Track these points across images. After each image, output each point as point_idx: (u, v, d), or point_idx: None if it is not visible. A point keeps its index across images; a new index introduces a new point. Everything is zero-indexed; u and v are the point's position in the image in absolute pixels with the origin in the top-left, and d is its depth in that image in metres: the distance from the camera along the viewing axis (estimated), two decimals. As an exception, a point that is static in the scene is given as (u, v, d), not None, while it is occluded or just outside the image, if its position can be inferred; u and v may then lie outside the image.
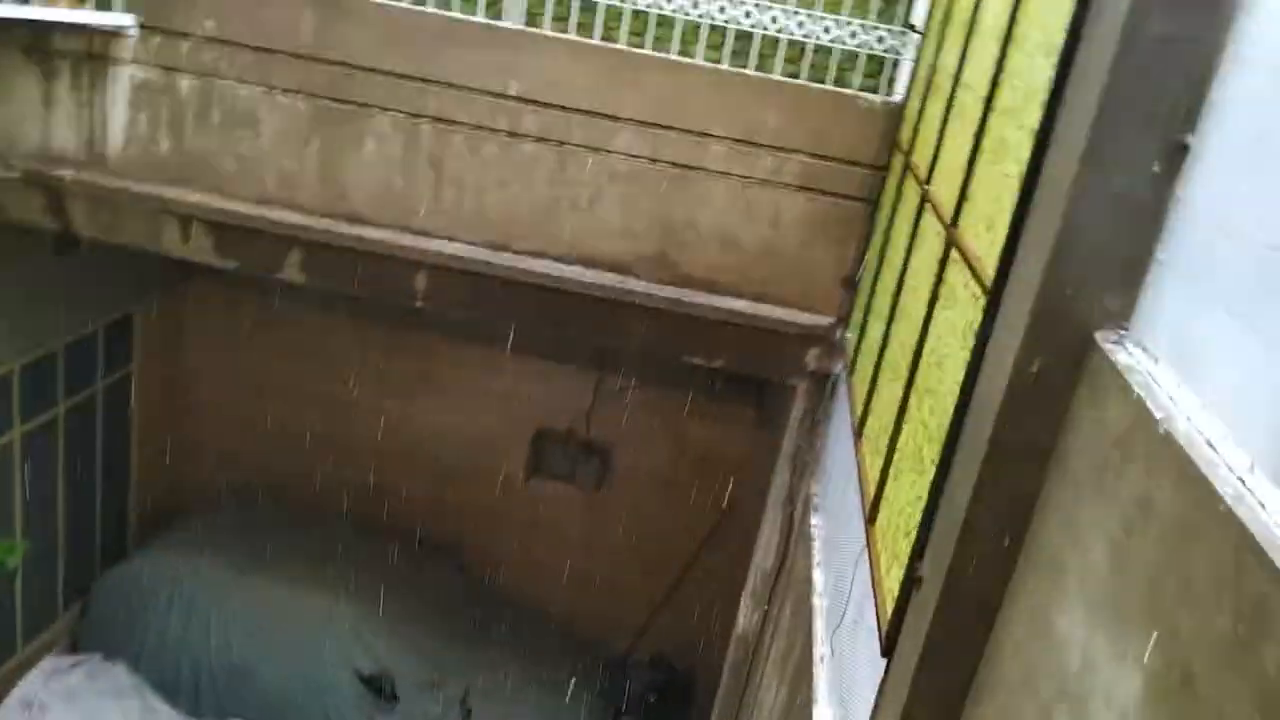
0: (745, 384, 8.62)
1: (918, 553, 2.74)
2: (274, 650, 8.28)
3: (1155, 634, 1.64)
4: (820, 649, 4.16)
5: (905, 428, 3.29)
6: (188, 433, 9.89)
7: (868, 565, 3.37)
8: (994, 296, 2.50)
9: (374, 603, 8.57)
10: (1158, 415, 1.79)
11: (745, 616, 6.27)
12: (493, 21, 5.59)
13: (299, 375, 9.70)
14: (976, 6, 3.70)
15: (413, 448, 9.74)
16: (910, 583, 2.76)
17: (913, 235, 3.95)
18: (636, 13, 5.55)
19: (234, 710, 8.19)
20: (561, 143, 5.54)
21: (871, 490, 3.55)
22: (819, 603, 4.47)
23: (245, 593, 8.37)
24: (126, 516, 9.43)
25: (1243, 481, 1.55)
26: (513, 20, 5.61)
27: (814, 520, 5.22)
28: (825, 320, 5.57)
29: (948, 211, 3.31)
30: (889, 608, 2.94)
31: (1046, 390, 2.22)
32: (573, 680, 9.10)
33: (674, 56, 5.55)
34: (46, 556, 8.25)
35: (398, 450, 9.67)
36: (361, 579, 8.72)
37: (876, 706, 2.90)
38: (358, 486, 9.64)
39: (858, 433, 4.18)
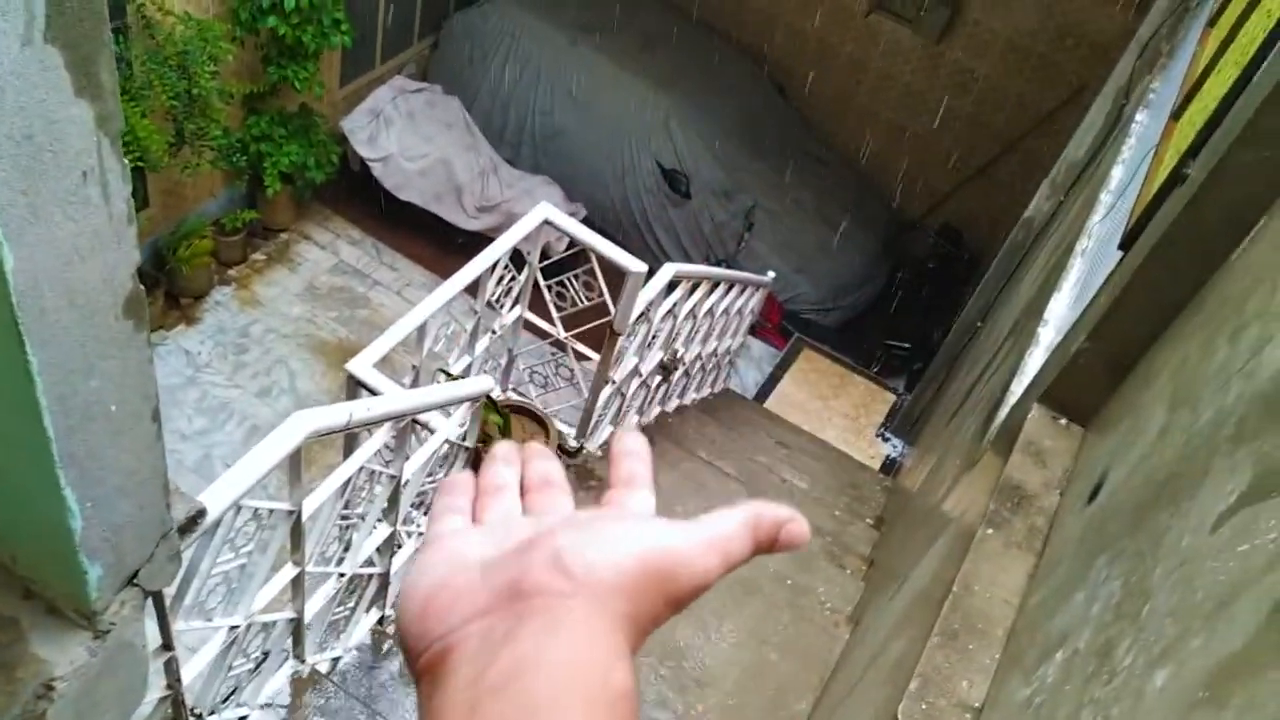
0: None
1: (1194, 150, 2.47)
2: (590, 123, 8.77)
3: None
4: (1084, 241, 3.97)
5: (1253, 15, 2.82)
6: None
7: (1151, 162, 3.08)
8: None
9: (689, 102, 8.76)
10: None
11: (1038, 201, 5.99)
12: None
13: None
14: None
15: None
16: (1174, 180, 2.52)
17: None
18: None
19: (545, 167, 8.90)
20: None
21: (1191, 81, 3.15)
22: (1105, 198, 4.20)
23: (574, 62, 8.73)
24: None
25: None
26: None
27: (1139, 116, 4.74)
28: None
29: None
30: (1144, 203, 2.72)
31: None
32: (859, 226, 9.21)
33: None
34: (408, -14, 8.82)
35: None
36: (682, 77, 8.87)
37: (1094, 298, 2.79)
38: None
39: (1211, 20, 3.63)
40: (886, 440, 7.89)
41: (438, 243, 8.42)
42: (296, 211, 8.29)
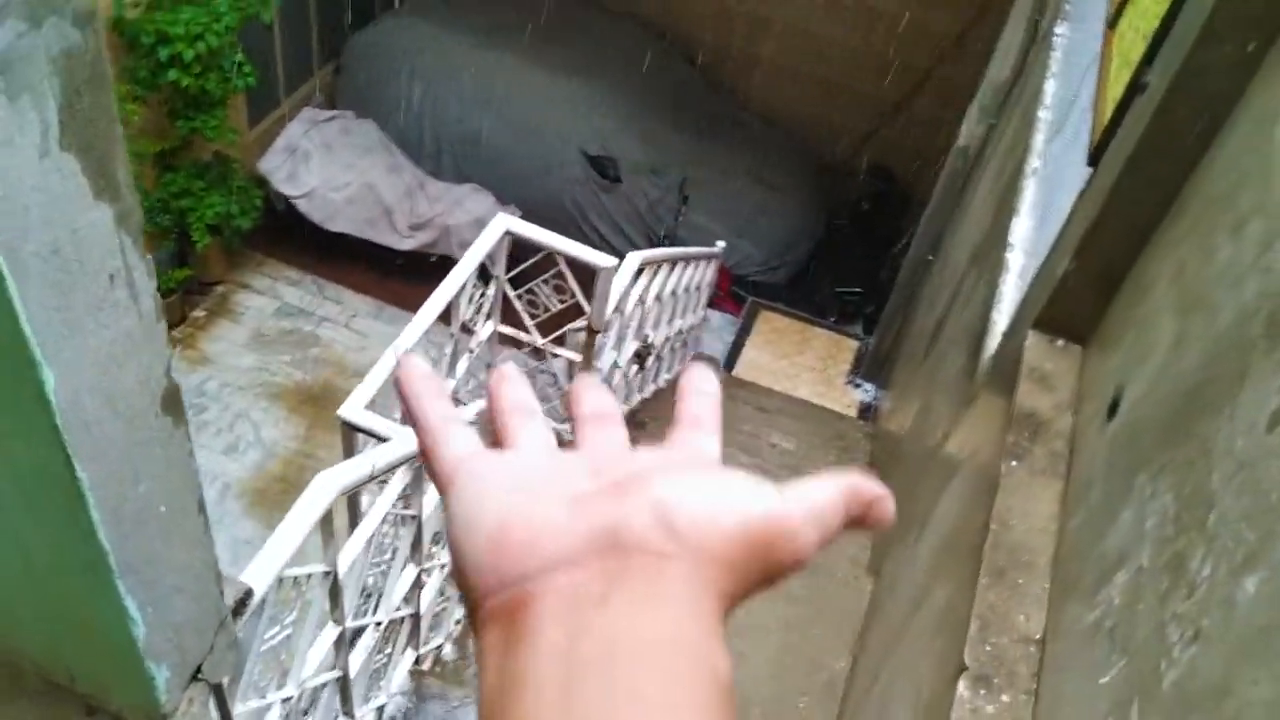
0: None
1: (1148, 57, 2.49)
2: (508, 124, 8.68)
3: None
4: (1033, 162, 4.00)
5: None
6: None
7: (1097, 73, 3.11)
8: None
9: (604, 87, 8.71)
10: None
11: (969, 126, 6.04)
12: None
13: None
14: None
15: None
16: (1134, 89, 2.54)
17: None
18: None
19: (470, 174, 8.80)
20: None
21: (1119, -11, 3.18)
22: (1043, 115, 4.23)
23: (482, 66, 8.63)
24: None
25: None
26: None
27: (1059, 29, 4.79)
28: None
29: None
30: (1106, 116, 2.74)
31: None
32: (789, 179, 9.24)
33: None
34: (299, 13, 8.62)
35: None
36: (594, 63, 8.81)
37: (1070, 217, 2.81)
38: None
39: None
40: (858, 386, 7.95)
41: (377, 268, 8.31)
42: (229, 262, 8.12)
